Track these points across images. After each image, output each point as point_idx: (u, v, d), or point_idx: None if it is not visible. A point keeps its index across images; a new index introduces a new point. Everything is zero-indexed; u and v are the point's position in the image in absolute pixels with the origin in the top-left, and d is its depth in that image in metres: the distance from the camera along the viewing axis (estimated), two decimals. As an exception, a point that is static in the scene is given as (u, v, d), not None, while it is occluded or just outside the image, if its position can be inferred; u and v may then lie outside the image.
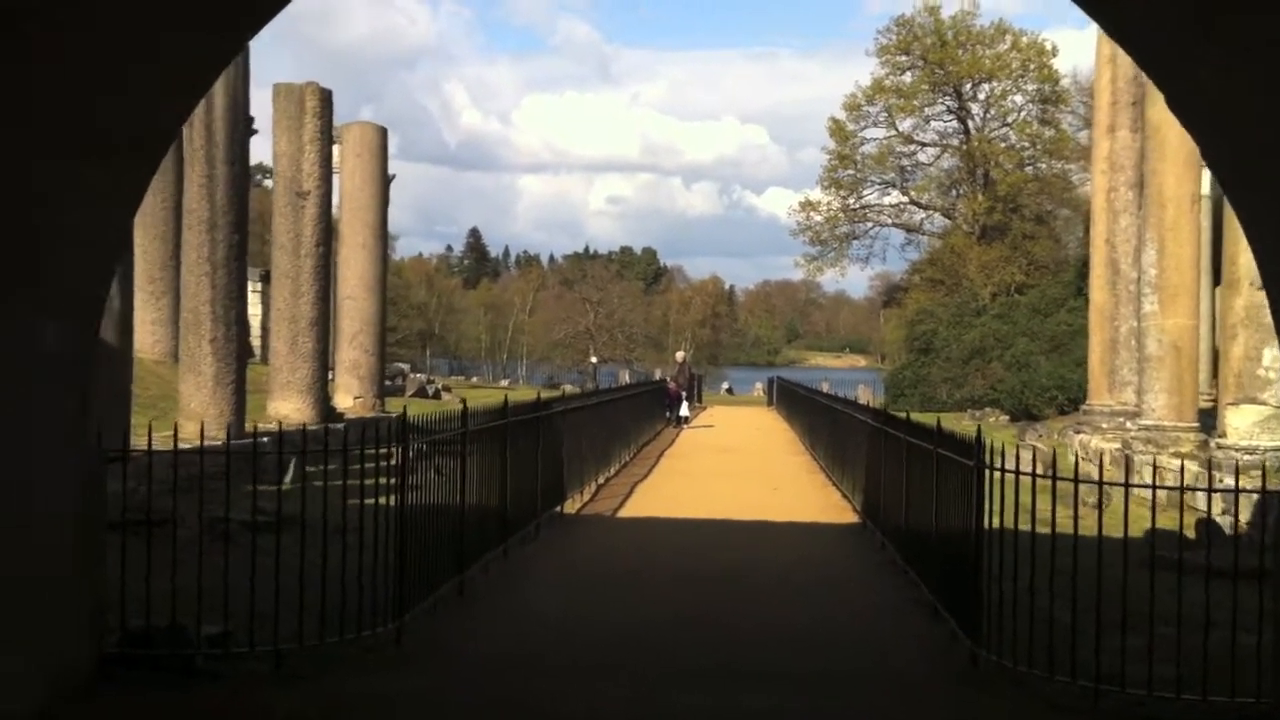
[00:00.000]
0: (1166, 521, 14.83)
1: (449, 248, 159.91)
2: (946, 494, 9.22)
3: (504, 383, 67.94)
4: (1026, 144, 63.08)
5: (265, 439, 17.07)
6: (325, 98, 20.25)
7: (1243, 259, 15.20)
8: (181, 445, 15.67)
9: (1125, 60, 21.14)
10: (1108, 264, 21.06)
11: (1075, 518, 7.71)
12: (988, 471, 8.07)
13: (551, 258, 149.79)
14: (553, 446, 14.62)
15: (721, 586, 10.87)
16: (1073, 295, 49.06)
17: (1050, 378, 44.39)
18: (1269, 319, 15.72)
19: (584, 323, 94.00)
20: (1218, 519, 16.12)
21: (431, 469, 9.27)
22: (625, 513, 16.05)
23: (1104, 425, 21.67)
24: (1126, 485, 7.71)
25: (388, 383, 38.43)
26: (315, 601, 7.72)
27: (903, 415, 12.44)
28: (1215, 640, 7.31)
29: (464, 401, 10.73)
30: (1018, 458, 8.33)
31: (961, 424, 38.35)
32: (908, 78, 63.83)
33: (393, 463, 8.70)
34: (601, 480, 18.96)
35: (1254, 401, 15.34)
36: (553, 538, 13.50)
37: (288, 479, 14.24)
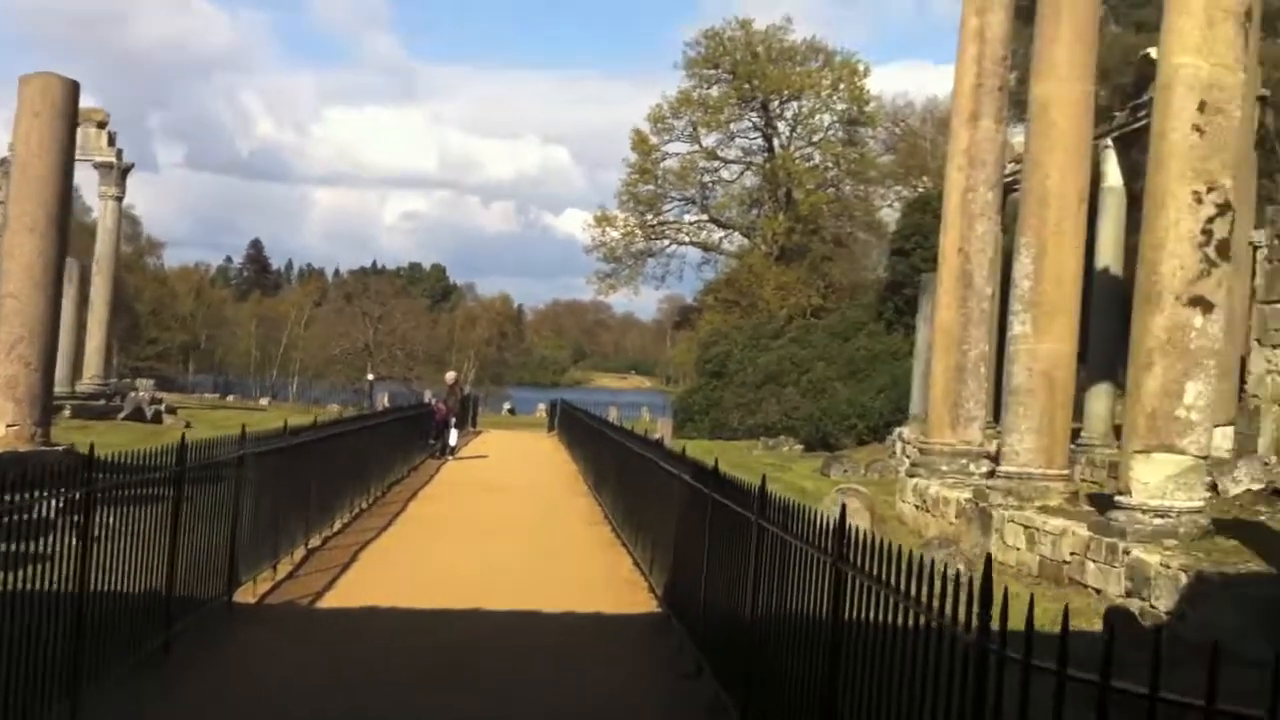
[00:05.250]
0: (1049, 602, 11.20)
1: (228, 258, 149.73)
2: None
3: (264, 401, 61.78)
4: (830, 164, 61.12)
5: None
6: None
7: (1165, 267, 11.59)
8: None
9: (995, 34, 17.51)
10: (959, 277, 17.36)
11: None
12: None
13: (337, 272, 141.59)
14: (222, 508, 9.93)
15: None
16: (872, 319, 46.70)
17: (850, 405, 41.74)
18: (1197, 343, 12.25)
19: (363, 339, 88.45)
20: (1120, 602, 12.54)
21: None
22: (332, 599, 11.21)
23: (944, 468, 18.06)
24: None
25: (102, 402, 32.64)
26: None
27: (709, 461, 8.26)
28: None
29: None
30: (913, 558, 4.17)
31: (753, 454, 35.07)
32: (715, 91, 61.09)
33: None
34: (318, 541, 14.25)
35: (1171, 450, 11.72)
36: (195, 658, 8.64)
37: None
